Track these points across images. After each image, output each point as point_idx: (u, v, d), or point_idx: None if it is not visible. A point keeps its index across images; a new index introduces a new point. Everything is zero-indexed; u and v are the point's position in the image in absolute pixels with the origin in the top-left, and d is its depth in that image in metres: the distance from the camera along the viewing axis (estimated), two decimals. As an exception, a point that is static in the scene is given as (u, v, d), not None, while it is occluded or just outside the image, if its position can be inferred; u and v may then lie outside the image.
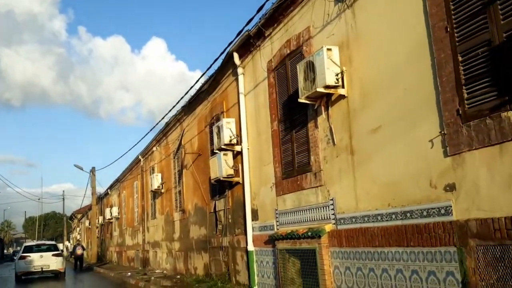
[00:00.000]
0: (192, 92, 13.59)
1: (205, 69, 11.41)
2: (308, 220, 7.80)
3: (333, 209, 7.17)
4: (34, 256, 20.84)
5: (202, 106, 13.32)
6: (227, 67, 11.27)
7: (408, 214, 5.78)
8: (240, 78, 10.49)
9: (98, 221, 34.39)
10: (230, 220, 11.17)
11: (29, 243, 25.44)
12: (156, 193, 18.49)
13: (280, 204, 8.76)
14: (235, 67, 10.73)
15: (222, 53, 10.34)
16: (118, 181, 28.72)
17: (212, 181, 11.17)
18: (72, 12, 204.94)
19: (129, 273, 17.73)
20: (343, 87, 7.02)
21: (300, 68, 7.44)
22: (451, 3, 5.27)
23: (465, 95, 5.12)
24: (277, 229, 8.81)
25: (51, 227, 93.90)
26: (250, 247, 9.78)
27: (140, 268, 20.97)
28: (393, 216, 6.01)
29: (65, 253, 56.69)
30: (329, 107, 7.31)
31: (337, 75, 6.98)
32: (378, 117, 6.34)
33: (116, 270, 21.01)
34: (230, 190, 11.17)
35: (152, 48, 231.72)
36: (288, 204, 8.45)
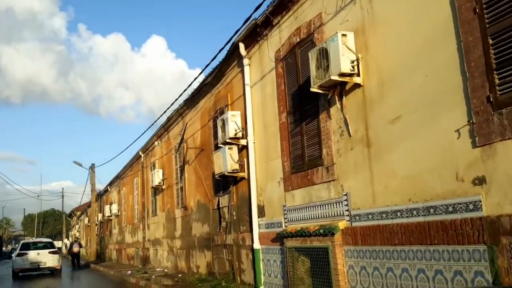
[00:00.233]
0: (195, 85, 13.19)
1: (206, 66, 10.83)
2: (319, 216, 7.38)
3: (347, 205, 6.76)
4: (31, 253, 21.18)
5: (205, 100, 12.90)
6: (232, 58, 10.85)
7: (432, 210, 5.37)
8: (246, 69, 10.07)
9: (98, 218, 33.97)
10: (234, 217, 10.76)
11: (26, 240, 26.12)
12: (157, 190, 18.08)
13: (288, 200, 8.34)
14: (240, 58, 10.31)
15: (227, 43, 9.95)
16: (118, 177, 28.30)
17: (216, 176, 10.75)
18: (72, 9, 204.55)
19: (129, 272, 17.32)
20: (358, 75, 6.61)
21: (312, 55, 7.02)
22: (481, -19, 4.86)
23: (497, 81, 4.71)
24: (285, 226, 8.40)
25: (50, 224, 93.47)
26: (256, 245, 9.36)
27: (140, 266, 20.57)
28: (415, 212, 5.60)
29: (64, 250, 56.42)
30: (343, 97, 6.89)
31: (352, 62, 6.56)
32: (398, 106, 5.93)
33: (116, 268, 20.61)
34: (234, 186, 10.76)
35: (152, 46, 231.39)
36: (298, 200, 8.03)
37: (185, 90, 12.75)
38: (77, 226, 55.11)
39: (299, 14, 8.20)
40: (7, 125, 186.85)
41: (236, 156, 10.13)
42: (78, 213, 52.84)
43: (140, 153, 21.20)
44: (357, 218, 6.55)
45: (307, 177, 7.69)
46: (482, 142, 4.80)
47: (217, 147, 11.31)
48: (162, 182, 17.13)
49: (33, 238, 59.65)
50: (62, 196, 62.19)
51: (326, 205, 7.21)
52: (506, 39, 4.65)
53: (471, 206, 4.90)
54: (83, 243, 41.31)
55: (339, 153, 6.98)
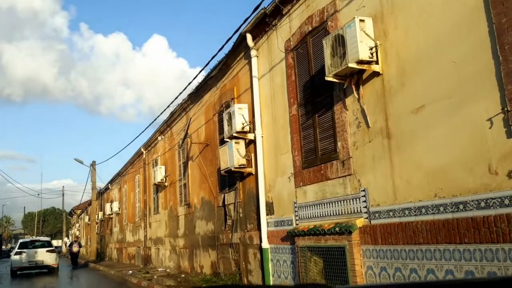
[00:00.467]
0: (199, 79, 12.79)
1: (212, 58, 10.44)
2: (334, 214, 6.97)
3: (365, 201, 6.34)
4: (29, 252, 21.53)
5: (210, 94, 12.49)
6: (238, 50, 10.43)
7: (461, 206, 4.96)
8: (254, 60, 9.65)
9: (98, 216, 33.54)
10: (241, 215, 10.34)
11: (24, 239, 26.32)
12: (159, 187, 17.65)
13: (300, 196, 7.93)
14: (248, 49, 9.89)
15: (234, 34, 9.51)
16: (119, 175, 27.88)
17: (222, 172, 10.33)
18: (74, 9, 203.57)
19: (130, 271, 16.90)
20: (377, 63, 6.19)
21: (327, 43, 6.61)
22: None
23: (535, 64, 4.31)
24: (296, 224, 7.98)
25: (50, 223, 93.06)
26: (265, 244, 8.94)
27: (141, 266, 20.15)
28: (441, 209, 5.19)
29: (64, 249, 56.04)
30: (360, 87, 6.47)
31: (371, 49, 6.14)
32: (421, 95, 5.52)
33: (116, 268, 20.21)
34: (241, 182, 10.34)
35: (153, 45, 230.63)
36: (310, 197, 7.62)
37: (189, 84, 12.35)
38: (77, 225, 54.72)
39: (311, 2, 7.79)
40: (8, 123, 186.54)
41: (243, 150, 9.72)
42: (79, 211, 52.41)
43: (142, 149, 20.78)
44: (377, 215, 6.13)
45: (320, 172, 7.27)
46: (519, 132, 4.39)
47: (222, 142, 10.90)
48: (164, 179, 16.71)
49: (33, 236, 59.30)
50: (63, 194, 61.77)
51: (342, 202, 6.80)
52: (547, 19, 4.25)
53: (506, 201, 4.49)
54: (83, 242, 40.93)
55: (356, 146, 6.56)
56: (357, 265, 6.29)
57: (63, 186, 62.84)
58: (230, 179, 10.89)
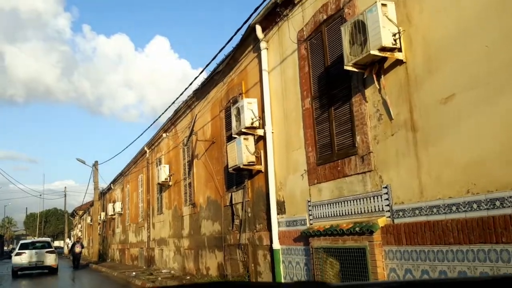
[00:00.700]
0: (205, 74, 12.39)
1: (220, 51, 10.01)
2: (353, 213, 6.54)
3: (387, 199, 5.91)
4: (29, 253, 21.96)
5: (216, 89, 12.07)
6: (247, 43, 10.03)
7: (498, 203, 4.52)
8: (263, 53, 9.23)
9: (100, 217, 33.14)
10: (249, 214, 9.92)
11: (25, 240, 27.08)
12: (163, 186, 17.23)
13: (314, 194, 7.50)
14: (257, 41, 9.47)
15: (242, 25, 9.13)
16: (121, 175, 27.48)
17: (230, 169, 9.91)
18: (76, 10, 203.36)
19: (134, 273, 16.48)
20: (400, 50, 5.77)
21: (346, 30, 6.19)
22: None
23: None
24: (310, 224, 7.56)
25: (52, 223, 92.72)
26: (276, 245, 8.50)
27: (144, 267, 19.73)
28: (475, 206, 4.76)
29: (65, 250, 55.65)
30: (382, 76, 6.05)
31: (394, 35, 5.72)
32: (450, 83, 5.10)
33: (119, 269, 19.79)
34: (249, 180, 9.92)
35: (156, 46, 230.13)
36: (325, 195, 7.19)
37: (195, 79, 11.95)
38: (79, 226, 54.35)
39: (326, -11, 7.37)
40: (10, 124, 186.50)
41: (252, 147, 9.30)
42: (81, 212, 52.05)
43: (146, 148, 20.36)
44: (400, 214, 5.70)
45: (337, 168, 6.84)
46: None
47: (230, 139, 10.49)
48: (168, 178, 16.29)
49: (35, 237, 59.01)
50: (65, 195, 61.30)
51: (361, 200, 6.37)
52: None
53: (552, 198, 4.06)
54: (85, 243, 40.54)
55: (377, 139, 6.13)
56: (379, 267, 5.86)
57: (65, 187, 62.28)
58: (237, 177, 10.48)
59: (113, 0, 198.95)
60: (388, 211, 5.88)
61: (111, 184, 31.07)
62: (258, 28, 9.22)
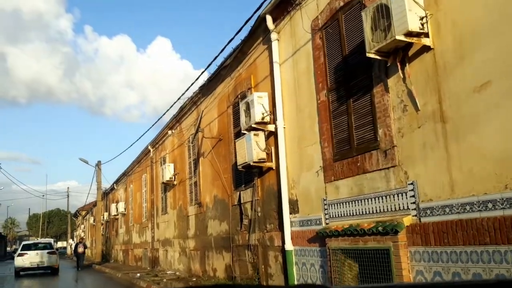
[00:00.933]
0: (212, 69, 11.98)
1: (228, 43, 9.59)
2: (374, 211, 6.11)
3: (413, 196, 5.48)
4: (31, 254, 22.51)
5: (223, 85, 11.66)
6: (256, 34, 9.61)
7: (542, 200, 4.10)
8: (274, 44, 8.81)
9: (103, 217, 32.77)
10: (259, 214, 9.50)
11: (27, 242, 28.09)
12: (167, 186, 16.83)
13: (330, 192, 7.08)
14: (267, 33, 9.05)
15: (252, 15, 8.70)
16: (125, 174, 27.10)
17: (239, 167, 9.48)
18: (78, 11, 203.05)
19: (138, 274, 16.07)
20: (427, 36, 5.35)
21: (367, 15, 5.76)
22: None
23: None
24: (326, 223, 7.13)
25: (55, 224, 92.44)
26: (288, 246, 8.07)
27: (148, 268, 19.33)
28: (515, 203, 4.33)
29: (68, 251, 55.34)
30: (406, 64, 5.62)
31: (421, 19, 5.30)
32: (484, 70, 4.68)
33: (123, 270, 19.38)
34: (259, 178, 9.50)
35: (157, 47, 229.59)
36: (343, 192, 6.76)
37: (199, 76, 11.60)
38: (82, 226, 54.03)
39: (342, -26, 6.95)
40: (13, 125, 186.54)
41: (262, 143, 8.88)
42: (84, 212, 51.75)
43: (149, 147, 19.96)
44: (428, 212, 5.27)
45: (357, 164, 6.42)
46: None
47: (237, 136, 10.10)
48: (173, 177, 15.89)
49: (38, 238, 58.78)
50: (68, 195, 61.01)
51: (383, 197, 5.94)
52: None
53: None
54: (88, 243, 40.18)
55: (401, 132, 5.71)
56: (404, 270, 5.43)
57: (68, 187, 62.17)
58: (246, 175, 10.06)
59: (115, 1, 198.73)
60: (414, 209, 5.45)
61: (114, 184, 30.70)
62: (269, 19, 8.81)
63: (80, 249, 25.99)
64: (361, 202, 6.35)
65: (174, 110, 15.46)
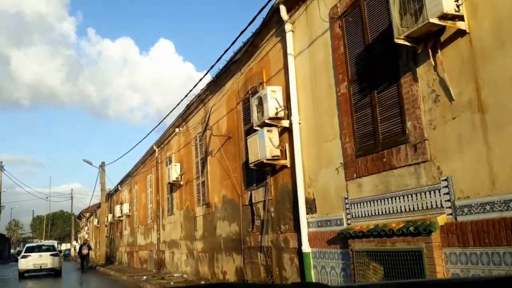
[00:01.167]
0: (220, 65, 11.57)
1: (240, 35, 9.16)
2: (402, 210, 5.68)
3: (447, 193, 5.05)
4: (34, 256, 22.84)
5: (233, 80, 11.25)
6: (268, 26, 9.20)
7: None
8: (289, 36, 8.39)
9: (107, 219, 32.42)
10: (272, 214, 9.07)
11: (31, 244, 28.25)
12: (173, 186, 16.42)
13: (352, 190, 6.65)
14: (281, 23, 8.64)
15: (265, 5, 8.27)
16: (129, 175, 26.72)
17: (251, 165, 9.06)
18: (81, 14, 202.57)
19: (144, 277, 15.66)
20: (462, 19, 4.93)
21: (394, -1, 5.34)
22: None
23: None
24: (348, 224, 6.70)
25: (58, 226, 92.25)
26: (305, 248, 7.64)
27: (154, 270, 18.93)
28: None
29: (72, 253, 55.00)
30: (438, 51, 5.20)
31: (456, 0, 4.88)
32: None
33: (128, 273, 18.99)
34: (272, 177, 9.08)
35: (160, 49, 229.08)
36: (367, 190, 6.33)
37: (207, 72, 11.22)
38: (86, 228, 53.71)
39: (363, -41, 6.53)
40: (16, 127, 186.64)
41: (276, 140, 8.46)
42: (87, 214, 51.43)
43: (155, 147, 19.57)
44: (465, 210, 4.84)
45: (382, 159, 5.99)
46: None
47: (248, 133, 9.69)
48: (180, 177, 15.48)
49: (41, 240, 58.54)
50: (71, 197, 60.70)
51: (413, 195, 5.51)
52: None
53: None
54: (92, 245, 39.81)
55: (433, 125, 5.28)
56: (438, 273, 5.00)
57: (72, 189, 61.89)
58: (258, 174, 9.65)
59: (117, 3, 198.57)
60: (449, 207, 5.02)
61: (118, 186, 30.33)
62: (283, 9, 8.39)
63: (85, 251, 25.79)
64: (388, 200, 5.92)
65: (179, 109, 15.10)
